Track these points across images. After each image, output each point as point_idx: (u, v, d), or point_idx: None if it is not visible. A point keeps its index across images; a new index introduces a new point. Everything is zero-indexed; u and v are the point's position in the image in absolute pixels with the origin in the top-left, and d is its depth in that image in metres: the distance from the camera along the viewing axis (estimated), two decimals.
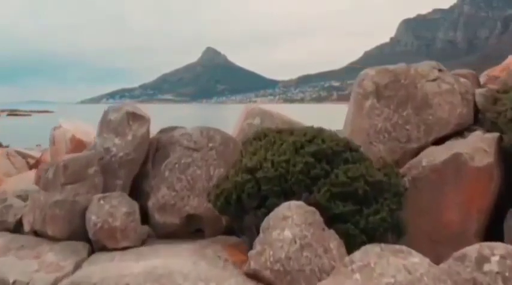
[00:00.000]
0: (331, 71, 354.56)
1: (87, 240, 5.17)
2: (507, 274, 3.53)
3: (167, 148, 6.12)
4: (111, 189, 5.67)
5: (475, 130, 6.37)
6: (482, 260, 3.64)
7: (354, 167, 4.50)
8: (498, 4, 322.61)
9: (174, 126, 6.70)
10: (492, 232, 5.17)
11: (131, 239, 5.02)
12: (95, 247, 5.08)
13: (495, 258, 3.63)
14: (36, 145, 18.01)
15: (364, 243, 4.31)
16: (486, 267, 3.62)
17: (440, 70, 6.43)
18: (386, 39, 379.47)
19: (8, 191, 7.02)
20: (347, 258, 3.81)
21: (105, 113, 6.18)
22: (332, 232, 4.16)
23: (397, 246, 3.81)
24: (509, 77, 6.76)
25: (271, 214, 4.13)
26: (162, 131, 6.67)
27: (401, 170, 5.28)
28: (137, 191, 6.02)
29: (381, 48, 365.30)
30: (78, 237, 5.21)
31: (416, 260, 3.66)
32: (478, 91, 6.91)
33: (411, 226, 4.85)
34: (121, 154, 5.78)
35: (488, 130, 6.37)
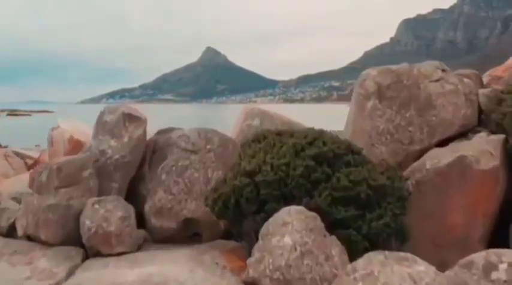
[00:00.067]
0: (331, 71, 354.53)
1: (81, 245, 5.02)
2: None
3: (164, 150, 5.98)
4: (107, 192, 5.53)
5: (479, 131, 6.23)
6: (489, 267, 3.49)
7: (356, 171, 4.36)
8: (498, 4, 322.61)
9: (171, 127, 6.55)
10: (497, 237, 5.03)
11: (126, 245, 4.88)
12: (89, 253, 4.93)
13: (503, 266, 3.48)
14: (35, 146, 17.85)
15: (366, 249, 4.17)
16: (494, 275, 3.47)
17: (443, 70, 6.29)
18: (387, 39, 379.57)
19: (3, 193, 6.87)
20: (349, 266, 3.66)
21: (101, 114, 6.04)
22: (334, 238, 4.02)
23: (402, 254, 3.66)
24: None
25: (271, 220, 3.98)
26: (160, 132, 6.53)
27: (404, 173, 5.14)
28: (134, 194, 5.89)
29: (380, 48, 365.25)
30: (72, 242, 5.06)
31: (422, 268, 3.52)
32: (481, 91, 6.78)
33: (414, 230, 4.71)
34: (117, 156, 5.64)
35: (493, 132, 6.24)
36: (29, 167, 11.71)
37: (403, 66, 6.31)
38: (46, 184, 5.25)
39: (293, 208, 4.01)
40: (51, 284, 4.35)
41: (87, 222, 4.82)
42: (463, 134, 6.14)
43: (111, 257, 4.76)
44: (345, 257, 3.95)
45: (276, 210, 4.15)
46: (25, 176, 8.61)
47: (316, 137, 4.63)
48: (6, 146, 15.63)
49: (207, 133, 5.94)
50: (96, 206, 4.96)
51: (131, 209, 5.12)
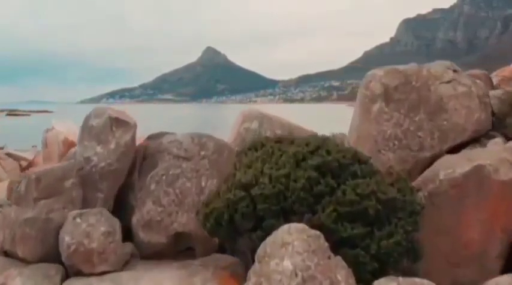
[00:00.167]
0: (331, 71, 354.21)
1: (62, 262, 4.59)
2: None
3: (155, 156, 5.56)
4: (92, 203, 5.10)
5: (493, 136, 5.85)
6: None
7: (363, 183, 3.91)
8: (498, 4, 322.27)
9: (163, 132, 6.12)
10: None
11: (110, 263, 4.44)
12: (70, 271, 4.50)
13: None
14: (32, 146, 17.42)
15: (375, 271, 3.74)
16: None
17: (455, 70, 5.89)
18: (387, 39, 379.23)
19: None
20: None
21: (87, 118, 5.62)
22: (339, 259, 3.58)
23: (418, 281, 3.22)
24: None
25: (268, 239, 3.54)
26: (151, 137, 6.10)
27: (414, 184, 4.70)
28: (122, 204, 5.46)
29: (380, 48, 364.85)
30: (52, 259, 4.64)
31: None
32: (492, 93, 6.39)
33: (427, 246, 4.28)
34: (102, 164, 5.21)
35: (508, 137, 5.83)
36: (23, 169, 11.30)
37: (412, 66, 5.90)
38: (25, 195, 4.83)
39: (293, 226, 3.57)
40: None
41: (67, 238, 4.37)
42: (475, 139, 5.74)
43: (94, 276, 4.34)
44: (352, 281, 3.52)
45: (275, 227, 3.71)
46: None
47: (319, 145, 4.18)
48: (2, 148, 15.21)
49: (200, 138, 5.52)
50: (78, 220, 4.53)
51: (117, 223, 4.68)
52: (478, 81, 6.17)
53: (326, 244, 3.58)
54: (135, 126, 5.52)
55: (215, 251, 5.12)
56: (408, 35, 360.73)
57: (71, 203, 4.88)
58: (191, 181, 5.15)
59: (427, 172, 4.85)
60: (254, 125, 7.18)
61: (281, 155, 4.14)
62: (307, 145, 4.20)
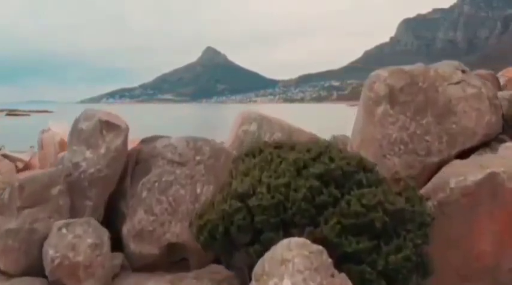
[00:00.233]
0: (331, 71, 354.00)
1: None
2: None
3: (148, 161, 5.29)
4: (80, 212, 4.82)
5: (503, 140, 5.55)
6: None
7: (369, 193, 3.62)
8: (498, 4, 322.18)
9: (157, 135, 5.84)
10: None
11: (97, 277, 4.16)
12: None
13: None
14: (30, 147, 17.11)
15: None
16: None
17: (463, 71, 5.58)
18: (387, 39, 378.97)
19: None
20: None
21: (76, 121, 5.34)
22: (343, 276, 3.29)
23: None
24: None
25: (267, 256, 3.25)
26: (144, 141, 5.83)
27: (422, 191, 4.42)
28: (114, 211, 5.18)
29: (380, 48, 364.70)
30: (36, 272, 4.35)
31: None
32: (501, 94, 6.10)
33: (436, 259, 4.00)
34: (92, 170, 4.93)
35: None
36: (19, 171, 11.02)
37: (418, 66, 5.60)
38: (8, 203, 4.55)
39: (294, 241, 3.27)
40: None
41: (51, 251, 4.08)
42: (485, 143, 5.45)
43: None
44: None
45: (273, 241, 3.42)
46: None
47: (322, 151, 3.89)
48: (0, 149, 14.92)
49: (196, 143, 5.25)
50: (64, 230, 4.24)
51: (105, 234, 4.39)
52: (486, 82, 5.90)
53: (329, 260, 3.29)
54: (126, 129, 5.25)
55: (211, 262, 4.85)
56: (408, 34, 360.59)
57: (57, 212, 4.60)
58: (185, 188, 4.87)
59: (437, 180, 4.55)
60: (253, 127, 6.90)
61: (280, 163, 3.85)
62: (308, 151, 3.91)
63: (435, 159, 5.15)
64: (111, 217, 5.20)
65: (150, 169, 5.20)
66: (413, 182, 4.14)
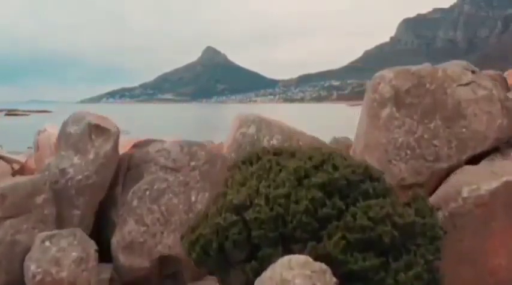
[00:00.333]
0: (331, 71, 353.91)
1: None
2: None
3: (141, 167, 5.02)
4: (67, 222, 4.54)
5: None
6: None
7: (376, 205, 3.33)
8: (498, 3, 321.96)
9: (150, 139, 5.56)
10: None
11: None
12: None
13: None
14: (28, 148, 16.83)
15: None
16: None
17: (473, 71, 5.29)
18: (387, 39, 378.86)
19: None
20: None
21: (64, 124, 5.07)
22: None
23: None
24: None
25: (264, 275, 2.96)
26: (137, 145, 5.55)
27: (431, 200, 4.13)
28: (104, 220, 4.90)
29: (381, 48, 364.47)
30: None
31: None
32: (509, 95, 5.81)
33: (447, 274, 3.71)
34: (80, 177, 4.67)
35: None
36: (14, 173, 10.74)
37: (425, 66, 5.31)
38: None
39: (295, 259, 2.98)
40: None
41: (32, 267, 3.81)
42: (496, 148, 5.17)
43: None
44: None
45: (272, 257, 3.13)
46: None
47: (325, 158, 3.59)
48: None
49: (191, 147, 4.98)
50: (47, 243, 3.96)
51: (92, 247, 4.11)
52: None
53: (334, 280, 3.00)
54: (117, 133, 4.97)
55: (207, 274, 4.56)
56: (408, 34, 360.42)
57: (42, 222, 4.32)
58: (179, 196, 4.60)
59: (447, 188, 4.27)
60: (251, 130, 6.60)
61: (280, 171, 3.55)
62: (310, 158, 3.61)
63: (444, 165, 4.87)
64: (102, 226, 4.93)
65: (142, 175, 4.94)
66: (422, 192, 3.85)
